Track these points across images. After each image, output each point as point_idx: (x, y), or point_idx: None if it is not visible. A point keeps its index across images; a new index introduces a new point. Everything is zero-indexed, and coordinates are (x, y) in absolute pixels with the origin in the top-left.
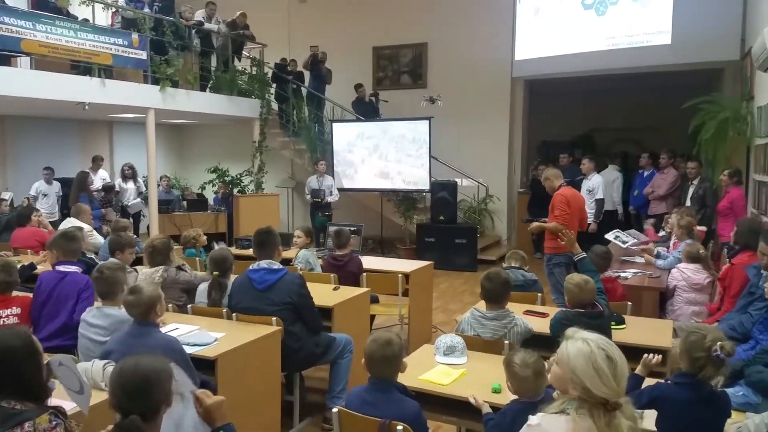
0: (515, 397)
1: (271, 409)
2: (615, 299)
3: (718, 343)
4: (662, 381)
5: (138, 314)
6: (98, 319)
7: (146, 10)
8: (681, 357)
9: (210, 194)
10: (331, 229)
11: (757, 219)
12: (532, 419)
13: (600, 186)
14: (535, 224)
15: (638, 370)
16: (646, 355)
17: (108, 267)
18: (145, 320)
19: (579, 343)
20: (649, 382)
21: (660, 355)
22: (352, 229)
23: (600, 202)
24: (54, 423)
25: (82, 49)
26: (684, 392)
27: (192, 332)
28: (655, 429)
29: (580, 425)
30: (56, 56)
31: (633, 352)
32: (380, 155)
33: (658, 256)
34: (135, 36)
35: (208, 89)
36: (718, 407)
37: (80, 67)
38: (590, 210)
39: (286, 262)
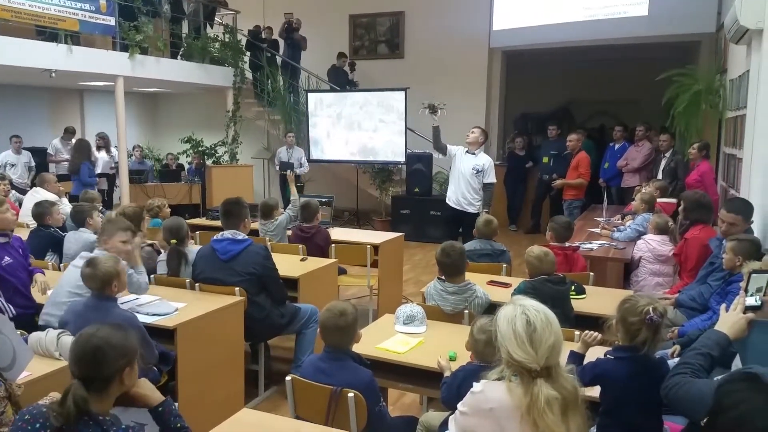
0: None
1: (235, 378)
2: (577, 270)
3: (651, 306)
4: (602, 357)
5: (94, 288)
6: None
7: None
8: (617, 326)
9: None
10: (301, 200)
11: (702, 193)
12: (476, 386)
13: (491, 168)
14: (559, 181)
15: (577, 347)
16: (585, 332)
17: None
18: (102, 294)
19: (509, 307)
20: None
21: (599, 334)
22: (323, 200)
23: (490, 188)
24: None
25: (47, 14)
26: (624, 366)
27: (152, 302)
28: (596, 396)
29: (515, 392)
30: (20, 21)
31: (591, 321)
32: (356, 126)
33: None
34: (103, 1)
35: (179, 56)
36: (658, 376)
37: (46, 32)
38: (476, 195)
39: (255, 233)
